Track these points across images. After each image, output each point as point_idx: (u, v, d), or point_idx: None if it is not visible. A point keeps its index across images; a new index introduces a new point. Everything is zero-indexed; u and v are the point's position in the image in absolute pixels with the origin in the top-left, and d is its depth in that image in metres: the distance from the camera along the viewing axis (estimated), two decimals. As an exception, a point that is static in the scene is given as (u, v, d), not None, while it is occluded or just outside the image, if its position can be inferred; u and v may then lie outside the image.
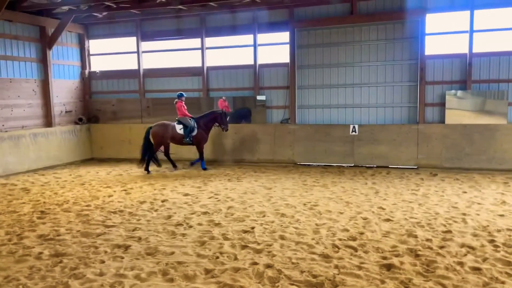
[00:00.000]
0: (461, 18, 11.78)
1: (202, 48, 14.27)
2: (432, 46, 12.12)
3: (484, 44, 11.68)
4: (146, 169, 12.34)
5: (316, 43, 13.12)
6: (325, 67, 13.11)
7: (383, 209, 7.90)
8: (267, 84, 13.78)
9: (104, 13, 14.29)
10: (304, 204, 8.34)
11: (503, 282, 4.64)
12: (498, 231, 6.46)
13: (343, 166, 12.66)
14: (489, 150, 11.53)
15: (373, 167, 12.43)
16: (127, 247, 6.07)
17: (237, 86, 14.10)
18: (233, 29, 13.89)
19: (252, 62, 13.79)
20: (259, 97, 13.78)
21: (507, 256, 5.43)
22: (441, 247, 5.81)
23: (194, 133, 12.44)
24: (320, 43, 13.08)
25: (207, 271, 5.17)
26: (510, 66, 11.45)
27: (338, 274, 4.98)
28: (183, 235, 6.58)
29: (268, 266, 5.27)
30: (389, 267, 5.18)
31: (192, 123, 12.41)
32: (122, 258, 5.67)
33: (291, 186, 10.10)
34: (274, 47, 13.80)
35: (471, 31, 11.60)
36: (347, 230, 6.64)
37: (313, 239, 6.28)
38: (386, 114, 12.73)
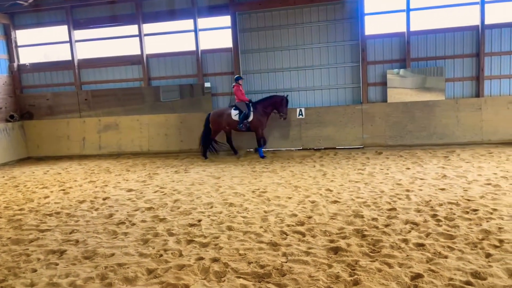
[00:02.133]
0: (398, -2, 11.98)
1: (140, 35, 13.60)
2: (372, 26, 12.27)
3: (421, 22, 11.96)
4: (204, 155, 12.16)
5: (258, 27, 12.89)
6: (269, 51, 12.93)
7: (331, 191, 7.91)
8: (211, 71, 13.41)
9: (30, 1, 13.22)
10: (253, 192, 8.18)
11: (445, 257, 4.71)
12: (440, 205, 6.63)
13: (292, 150, 12.64)
14: (430, 126, 11.92)
15: (321, 149, 12.51)
16: (62, 252, 5.63)
17: (180, 73, 13.63)
18: (172, 14, 13.33)
19: (194, 48, 13.35)
20: (207, 84, 13.40)
21: (449, 230, 5.55)
22: (387, 226, 5.85)
23: (250, 119, 11.70)
24: (262, 26, 12.86)
25: (150, 271, 4.88)
26: (446, 43, 11.82)
27: (286, 262, 4.85)
28: (125, 234, 6.20)
29: (215, 260, 5.06)
30: (336, 250, 5.13)
31: (248, 108, 11.69)
32: (57, 264, 5.24)
33: (240, 174, 9.91)
34: (216, 32, 13.42)
35: (408, 10, 11.83)
36: (295, 215, 6.56)
37: (261, 227, 6.13)
38: (331, 96, 12.81)
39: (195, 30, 13.25)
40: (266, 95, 13.12)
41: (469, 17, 11.69)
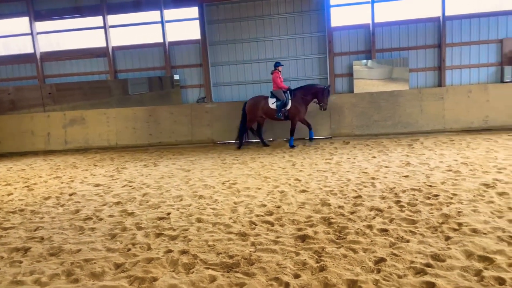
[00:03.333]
0: (363, -10, 12.17)
1: (105, 27, 13.29)
2: (338, 18, 12.44)
3: (385, 14, 12.21)
4: (239, 144, 11.85)
5: (226, 18, 12.83)
6: (237, 42, 12.91)
7: (299, 180, 8.03)
8: (179, 63, 13.28)
9: (-13, -9, 12.69)
10: (223, 183, 8.21)
11: (407, 241, 4.89)
12: (403, 191, 6.84)
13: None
14: (395, 115, 12.24)
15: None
16: (26, 250, 5.49)
17: (147, 66, 13.43)
18: (138, 5, 13.08)
19: (161, 40, 13.17)
20: (176, 77, 13.25)
21: (411, 215, 5.75)
22: (352, 213, 6.01)
23: (288, 107, 11.27)
24: (230, 18, 12.81)
25: (117, 266, 4.84)
26: (409, 34, 12.12)
27: (254, 252, 4.92)
28: (92, 229, 6.11)
29: (184, 252, 5.07)
30: (303, 238, 5.23)
31: (286, 96, 11.25)
32: (21, 262, 5.11)
33: (210, 166, 9.91)
34: (183, 23, 13.27)
35: (373, 1, 12.05)
36: (265, 205, 6.63)
37: (230, 218, 6.17)
38: (299, 87, 12.92)
39: (162, 22, 13.06)
40: (235, 87, 13.13)
41: (431, 9, 12.02)
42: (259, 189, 7.64)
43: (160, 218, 6.38)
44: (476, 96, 11.82)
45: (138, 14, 13.27)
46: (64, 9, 13.41)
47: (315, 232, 5.35)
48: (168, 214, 6.54)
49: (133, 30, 13.44)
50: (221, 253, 4.95)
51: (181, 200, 7.31)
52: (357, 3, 12.31)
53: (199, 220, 6.17)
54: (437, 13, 11.89)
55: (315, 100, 11.30)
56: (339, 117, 12.51)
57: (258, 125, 11.93)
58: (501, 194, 6.32)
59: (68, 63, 13.77)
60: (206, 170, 9.53)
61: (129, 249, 5.28)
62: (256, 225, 5.82)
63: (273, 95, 11.40)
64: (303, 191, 7.31)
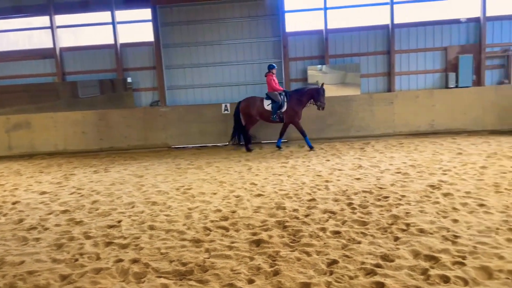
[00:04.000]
0: (316, -4, 12.44)
1: (51, 27, 12.75)
2: (293, 23, 12.62)
3: (337, 20, 12.52)
4: (246, 148, 11.58)
5: (180, 21, 12.67)
6: (192, 45, 12.78)
7: (255, 184, 8.02)
8: (132, 65, 12.96)
9: None
10: (177, 189, 8.05)
11: (359, 242, 4.99)
12: (355, 193, 7.00)
13: (218, 146, 12.63)
14: (348, 119, 12.55)
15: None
16: (-37, 264, 5.11)
17: (97, 68, 12.99)
18: (87, 5, 12.66)
19: (112, 42, 12.80)
20: (129, 79, 12.89)
21: (362, 216, 5.88)
22: (307, 216, 6.07)
23: (284, 109, 11.14)
24: (185, 20, 12.66)
25: (63, 277, 4.60)
26: (360, 41, 12.50)
27: (208, 258, 4.84)
28: (37, 239, 5.79)
29: (135, 261, 4.90)
30: (258, 242, 5.22)
31: (282, 98, 11.12)
32: (-44, 278, 4.75)
33: (164, 172, 9.70)
34: (136, 25, 12.98)
35: (325, 8, 12.33)
36: (220, 211, 6.56)
37: (184, 224, 6.05)
38: (255, 92, 12.98)
39: (113, 23, 12.70)
40: (190, 91, 12.98)
41: (380, 17, 12.46)
42: (215, 194, 7.56)
43: (110, 226, 6.15)
44: (423, 101, 12.36)
45: (88, 14, 12.82)
46: (6, 8, 12.72)
47: (270, 236, 5.35)
48: (119, 222, 6.32)
49: (83, 31, 12.98)
50: (174, 260, 4.83)
51: (133, 207, 7.09)
52: (311, 9, 12.56)
53: (151, 228, 6.01)
54: (386, 21, 12.35)
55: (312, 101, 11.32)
56: (294, 121, 12.65)
57: (243, 126, 11.82)
58: (446, 195, 6.62)
59: (12, 64, 13.06)
60: (160, 175, 9.33)
61: (77, 260, 5.04)
62: (210, 231, 5.74)
63: (268, 97, 11.37)
64: (259, 195, 7.31)
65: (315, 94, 11.06)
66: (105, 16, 12.73)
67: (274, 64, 11.38)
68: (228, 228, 5.80)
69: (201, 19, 12.56)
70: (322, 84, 11.12)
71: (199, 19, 12.57)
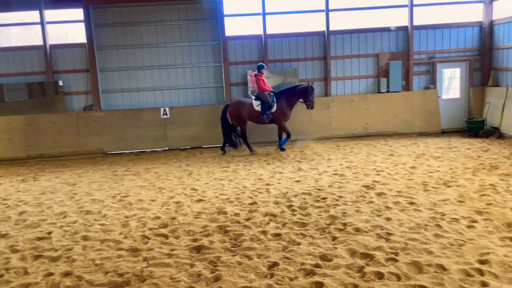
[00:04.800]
0: (255, 1, 12.52)
1: (-28, 25, 11.76)
2: (232, 28, 12.63)
3: (276, 26, 12.71)
4: (250, 149, 11.29)
5: (115, 22, 12.23)
6: (128, 48, 12.37)
7: (196, 190, 7.91)
8: (63, 68, 12.28)
9: None
10: (113, 197, 7.73)
11: (299, 243, 5.07)
12: (295, 196, 7.13)
13: (157, 151, 12.31)
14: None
15: (187, 148, 12.44)
16: None
17: (25, 70, 12.16)
18: (12, 4, 11.80)
19: (41, 43, 12.05)
20: (60, 83, 12.16)
21: (302, 218, 5.99)
22: (248, 219, 6.07)
23: (273, 109, 11.01)
24: (120, 22, 12.23)
25: (-15, 297, 4.22)
26: (298, 46, 12.79)
27: (146, 267, 4.68)
28: (-46, 257, 5.27)
29: (66, 274, 4.62)
30: (199, 248, 5.13)
31: (271, 98, 10.91)
32: None
33: (99, 179, 9.27)
34: (68, 26, 12.34)
35: (264, 14, 12.48)
36: (159, 218, 6.38)
37: (121, 233, 5.81)
38: (195, 95, 12.83)
39: (42, 23, 11.98)
40: (126, 94, 12.55)
41: (317, 23, 12.83)
42: (153, 200, 7.35)
43: (40, 238, 5.76)
44: (358, 105, 12.88)
45: (14, 13, 11.97)
46: None
47: (211, 242, 5.28)
48: (49, 233, 5.94)
49: (8, 31, 12.10)
50: (109, 272, 4.62)
51: (64, 217, 6.70)
52: (250, 14, 12.65)
53: (85, 238, 5.70)
54: (322, 28, 12.74)
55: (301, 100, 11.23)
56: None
57: (233, 129, 11.52)
58: (379, 194, 6.93)
59: None
60: (95, 183, 8.90)
61: (2, 275, 4.66)
62: (149, 239, 5.56)
63: (257, 98, 11.17)
64: (200, 200, 7.21)
65: (304, 93, 11.02)
66: (33, 15, 11.96)
67: (263, 64, 11.30)
68: (167, 235, 5.65)
69: (138, 21, 12.20)
70: (312, 83, 11.16)
71: (135, 21, 12.19)
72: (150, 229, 5.91)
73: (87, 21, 11.93)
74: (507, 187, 6.89)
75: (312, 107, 11.17)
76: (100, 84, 12.33)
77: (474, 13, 12.90)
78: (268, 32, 12.57)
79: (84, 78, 12.31)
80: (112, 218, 6.47)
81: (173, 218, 6.31)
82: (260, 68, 11.10)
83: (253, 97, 11.28)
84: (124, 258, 4.98)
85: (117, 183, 8.81)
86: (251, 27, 12.73)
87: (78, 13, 12.05)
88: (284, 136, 11.52)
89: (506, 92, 11.84)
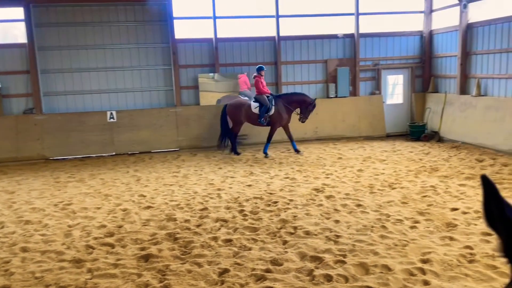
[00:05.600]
0: (206, 5, 12.44)
1: None
2: (183, 31, 12.46)
3: (227, 30, 12.69)
4: (234, 151, 11.22)
5: (59, 22, 11.67)
6: (72, 49, 11.84)
7: (144, 196, 7.69)
8: (1, 69, 11.54)
9: None
10: (55, 205, 7.34)
11: (250, 249, 5.05)
12: (247, 200, 7.12)
13: (104, 156, 11.86)
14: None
15: (136, 153, 12.09)
16: None
17: (-43, 71, 11.31)
18: None
19: (-24, 42, 11.27)
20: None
21: (253, 223, 5.98)
22: (198, 226, 5.98)
23: (271, 112, 10.80)
24: (64, 22, 11.69)
25: None
26: (249, 51, 12.84)
27: (90, 279, 4.46)
28: None
29: (2, 289, 4.31)
30: (147, 257, 4.98)
31: (270, 101, 10.76)
32: None
33: (40, 186, 8.77)
34: (7, 25, 11.65)
35: (214, 18, 12.42)
36: (104, 226, 6.13)
37: (63, 244, 5.52)
38: (144, 99, 12.50)
39: (-23, 20, 11.20)
40: (70, 97, 12.00)
41: (267, 29, 12.96)
42: (99, 208, 7.05)
43: (-28, 252, 5.34)
44: (308, 109, 13.13)
45: None
46: None
47: (160, 250, 5.14)
48: (-17, 246, 5.52)
49: None
50: (50, 285, 4.37)
51: (2, 227, 6.27)
52: (200, 17, 12.54)
53: (24, 250, 5.36)
54: (273, 33, 12.89)
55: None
56: (186, 129, 12.48)
57: (230, 131, 11.38)
58: (328, 197, 7.07)
59: None
60: (35, 190, 8.41)
61: None
62: (94, 249, 5.32)
63: (256, 100, 11.00)
64: (148, 207, 7.01)
65: (304, 106, 10.99)
66: (-34, 11, 11.19)
67: (263, 66, 11.17)
68: (113, 244, 5.44)
69: (83, 21, 11.71)
70: (315, 100, 11.14)
71: (80, 21, 11.70)
72: (95, 238, 5.66)
73: (28, 20, 11.30)
74: (446, 188, 7.28)
75: (303, 122, 11.25)
76: (42, 87, 11.71)
77: (416, 23, 13.59)
78: (219, 36, 12.52)
79: (24, 80, 11.64)
80: (53, 228, 6.13)
81: (120, 226, 6.09)
82: (259, 70, 11.04)
83: (252, 100, 11.21)
84: (67, 270, 4.73)
85: (60, 190, 8.38)
86: (202, 31, 12.62)
87: (18, 11, 11.39)
88: (269, 138, 11.34)
89: (444, 98, 12.55)
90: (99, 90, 12.13)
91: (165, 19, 12.15)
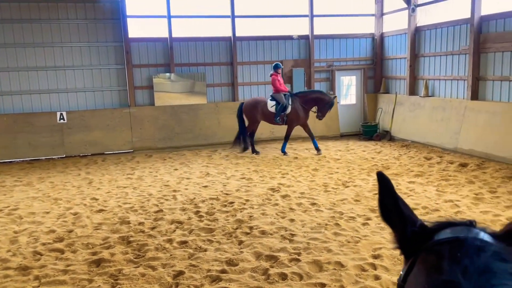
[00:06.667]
0: (160, 3, 12.22)
1: None
2: (137, 29, 12.18)
3: (182, 29, 12.53)
4: (253, 151, 11.09)
5: (3, 18, 11.07)
6: (19, 47, 11.27)
7: (96, 199, 7.44)
8: None
9: None
10: (0, 210, 6.95)
11: (205, 250, 5.02)
12: (203, 201, 7.06)
13: (54, 159, 11.37)
14: (195, 128, 12.64)
15: (88, 155, 11.69)
16: None
17: None
18: None
19: None
20: None
21: (209, 224, 5.95)
22: (153, 228, 5.87)
23: (288, 111, 10.57)
24: (8, 18, 11.10)
25: None
26: (205, 51, 12.74)
27: (38, 286, 4.27)
28: None
29: None
30: (99, 262, 4.82)
31: (286, 100, 10.55)
32: None
33: (-17, 191, 8.28)
34: None
35: (169, 17, 12.23)
36: (53, 231, 5.88)
37: (8, 251, 5.25)
38: (96, 99, 12.10)
39: None
40: (16, 97, 11.42)
41: (224, 29, 12.93)
42: (48, 213, 6.76)
43: None
44: (264, 110, 13.22)
45: None
46: None
47: (112, 254, 5.00)
48: None
49: None
50: (-7, 295, 4.13)
51: None
52: (154, 16, 12.32)
53: (-36, 259, 5.04)
54: (229, 33, 12.87)
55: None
56: (141, 130, 12.21)
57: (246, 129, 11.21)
58: (284, 196, 7.16)
59: None
60: (-22, 196, 7.93)
61: None
62: (41, 255, 5.09)
63: (273, 98, 10.76)
64: (100, 210, 6.80)
65: (322, 104, 10.78)
66: None
67: (279, 64, 11.02)
68: (63, 250, 5.23)
69: (29, 18, 11.16)
70: (335, 97, 11.01)
71: (26, 18, 11.14)
72: (43, 244, 5.42)
73: (-33, 14, 10.64)
74: (397, 186, 7.56)
75: (320, 119, 11.15)
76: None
77: (368, 26, 14.03)
78: (174, 35, 12.34)
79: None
80: (-3, 235, 5.81)
81: (70, 231, 5.87)
82: (276, 67, 10.87)
83: (269, 98, 11.01)
84: (12, 278, 4.50)
85: (5, 195, 7.95)
86: (157, 30, 12.39)
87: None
88: (316, 141, 11.17)
89: (395, 99, 13.04)
90: (48, 90, 11.61)
91: (118, 17, 11.82)
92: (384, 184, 0.92)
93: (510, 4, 9.36)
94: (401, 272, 0.86)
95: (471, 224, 0.83)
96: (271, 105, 10.79)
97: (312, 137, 11.04)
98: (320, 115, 10.96)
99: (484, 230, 0.81)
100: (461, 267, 0.69)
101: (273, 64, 11.12)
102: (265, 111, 10.88)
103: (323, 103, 10.78)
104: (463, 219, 0.86)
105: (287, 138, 11.07)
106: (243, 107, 11.18)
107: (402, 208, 0.90)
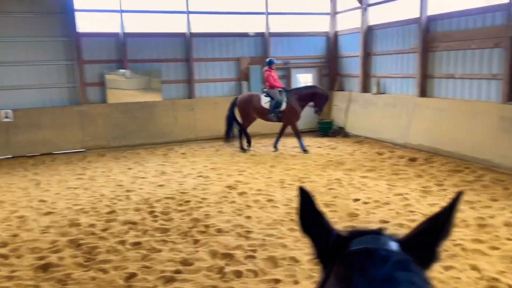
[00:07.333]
0: (111, -2, 11.84)
1: None
2: (87, 24, 11.73)
3: (136, 25, 12.19)
4: (241, 147, 10.83)
5: None
6: (-44, 40, 10.55)
7: (44, 201, 7.11)
8: None
9: None
10: None
11: (159, 251, 4.91)
12: (158, 201, 6.91)
13: (-2, 159, 10.75)
14: (150, 125, 12.36)
15: (36, 155, 11.13)
16: None
17: None
18: None
19: None
20: None
21: (164, 224, 5.83)
22: (104, 230, 5.67)
23: (282, 107, 10.29)
24: None
25: None
26: (160, 47, 12.47)
27: (-23, 297, 4.00)
28: None
29: None
30: (46, 267, 4.60)
31: (281, 96, 10.33)
32: None
33: None
34: None
35: (121, 11, 11.87)
36: (-4, 236, 5.55)
37: None
38: (44, 96, 11.54)
39: None
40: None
41: (179, 25, 12.71)
42: (-10, 217, 6.37)
43: None
44: (222, 107, 13.05)
45: None
46: None
47: (61, 258, 4.78)
48: None
49: None
50: None
51: None
52: (105, 10, 11.90)
53: None
54: (184, 29, 12.67)
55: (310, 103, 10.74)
56: (93, 129, 11.77)
57: (234, 124, 11.02)
58: (241, 194, 7.14)
59: None
60: None
61: None
62: (-18, 262, 4.79)
63: (267, 94, 10.49)
64: (49, 213, 6.50)
65: (318, 99, 10.55)
66: None
67: (273, 59, 10.77)
68: (7, 255, 4.95)
69: (-31, 10, 10.49)
70: (325, 91, 10.90)
71: (-35, 9, 10.47)
72: (-15, 250, 5.10)
73: None
74: (350, 181, 7.74)
75: (319, 114, 11.07)
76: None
77: (322, 24, 14.26)
78: (127, 30, 11.99)
79: None
80: None
81: (15, 235, 5.56)
82: (270, 63, 10.62)
83: (263, 94, 10.72)
84: None
85: None
86: (109, 24, 11.99)
87: None
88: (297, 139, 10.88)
89: (349, 96, 13.36)
90: (-10, 87, 10.96)
91: (66, 11, 11.32)
92: (306, 198, 0.93)
93: (456, 4, 9.82)
94: (318, 280, 0.87)
95: (379, 232, 0.86)
96: (265, 101, 10.59)
97: (280, 136, 11.01)
98: (318, 109, 10.81)
99: (391, 238, 0.85)
100: (367, 278, 0.72)
101: (267, 60, 10.95)
102: (259, 107, 10.63)
103: (319, 97, 10.66)
104: (374, 227, 0.89)
105: (298, 135, 10.71)
106: (237, 102, 10.97)
107: (325, 219, 0.92)
